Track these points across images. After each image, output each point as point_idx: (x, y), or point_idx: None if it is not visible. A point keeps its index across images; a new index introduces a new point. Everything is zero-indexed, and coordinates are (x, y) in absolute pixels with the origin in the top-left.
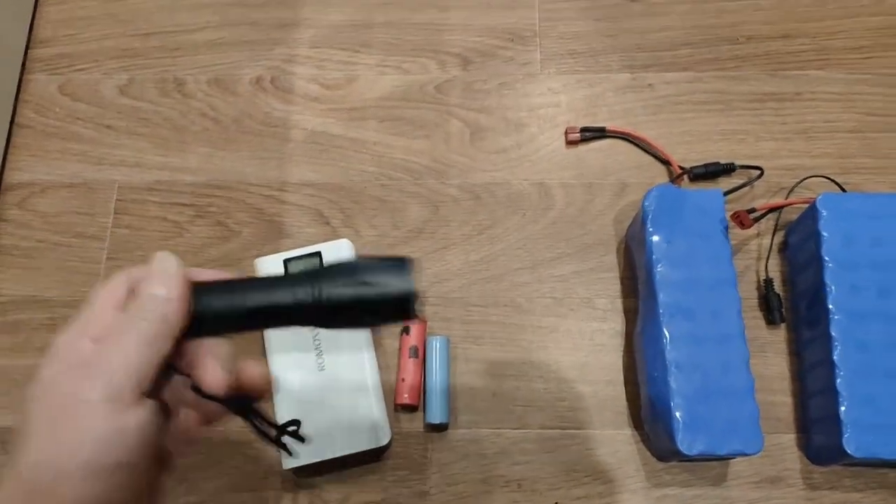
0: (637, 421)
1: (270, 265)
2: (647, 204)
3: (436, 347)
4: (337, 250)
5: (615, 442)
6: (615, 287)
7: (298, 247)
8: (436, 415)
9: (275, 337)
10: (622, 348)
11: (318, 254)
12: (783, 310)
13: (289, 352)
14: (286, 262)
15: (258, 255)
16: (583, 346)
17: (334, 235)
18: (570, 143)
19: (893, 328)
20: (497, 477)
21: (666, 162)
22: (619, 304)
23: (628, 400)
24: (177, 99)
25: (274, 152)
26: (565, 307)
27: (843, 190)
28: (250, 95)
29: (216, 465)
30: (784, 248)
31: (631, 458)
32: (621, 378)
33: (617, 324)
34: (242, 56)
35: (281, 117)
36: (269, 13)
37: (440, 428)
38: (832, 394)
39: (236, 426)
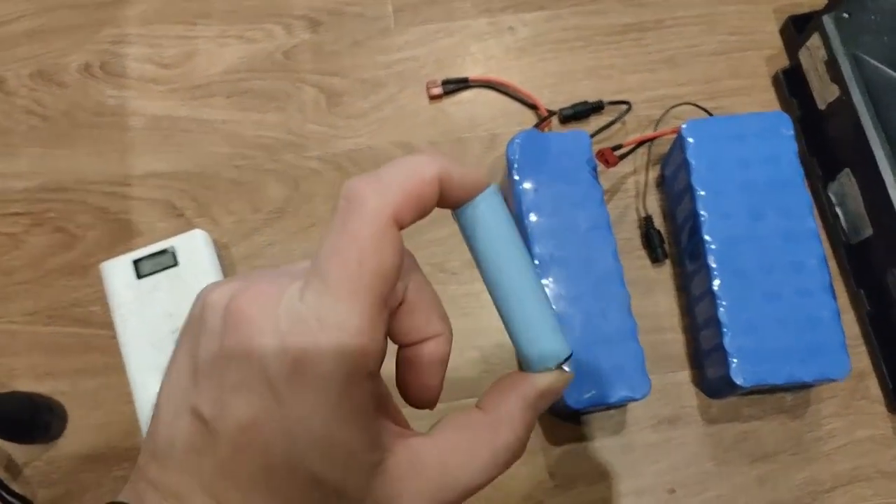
0: None
1: (118, 268)
2: (510, 153)
3: None
4: (192, 242)
5: None
6: None
7: (151, 244)
8: None
9: (131, 347)
10: None
11: (172, 249)
12: (665, 245)
13: (147, 360)
14: (136, 262)
15: (106, 259)
16: (469, 311)
17: (189, 227)
18: (432, 98)
19: (765, 249)
20: None
21: (533, 106)
22: None
23: (518, 361)
24: None
25: (113, 144)
26: (447, 272)
27: (710, 115)
28: (79, 85)
29: None
30: (661, 181)
31: None
32: (509, 339)
33: None
34: (66, 43)
35: (116, 105)
36: None
37: None
38: (716, 325)
39: None
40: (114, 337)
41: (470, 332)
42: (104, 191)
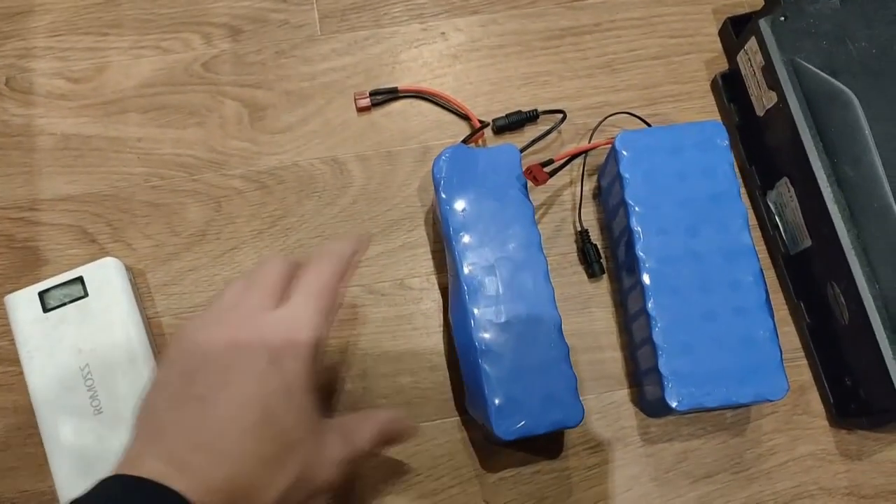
0: (464, 405)
1: (23, 301)
2: (437, 171)
3: None
4: (102, 271)
5: (444, 432)
6: (428, 263)
7: (60, 273)
8: None
9: (38, 385)
10: (442, 329)
11: (80, 279)
12: (602, 260)
13: (56, 399)
14: (42, 294)
15: (10, 291)
16: (400, 334)
17: (103, 253)
18: (360, 109)
19: (701, 266)
20: None
21: (466, 117)
22: (434, 280)
23: (452, 384)
24: None
25: (18, 166)
26: (376, 293)
27: (648, 125)
28: None
29: None
30: (598, 191)
31: (462, 446)
32: (444, 362)
33: (434, 303)
34: None
35: (22, 124)
36: None
37: None
38: (652, 345)
39: None
40: (21, 374)
41: (402, 356)
42: (9, 216)
